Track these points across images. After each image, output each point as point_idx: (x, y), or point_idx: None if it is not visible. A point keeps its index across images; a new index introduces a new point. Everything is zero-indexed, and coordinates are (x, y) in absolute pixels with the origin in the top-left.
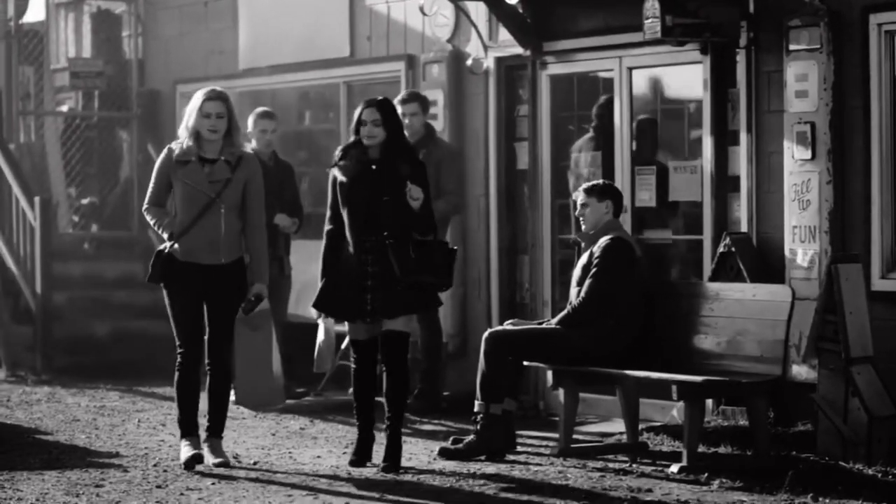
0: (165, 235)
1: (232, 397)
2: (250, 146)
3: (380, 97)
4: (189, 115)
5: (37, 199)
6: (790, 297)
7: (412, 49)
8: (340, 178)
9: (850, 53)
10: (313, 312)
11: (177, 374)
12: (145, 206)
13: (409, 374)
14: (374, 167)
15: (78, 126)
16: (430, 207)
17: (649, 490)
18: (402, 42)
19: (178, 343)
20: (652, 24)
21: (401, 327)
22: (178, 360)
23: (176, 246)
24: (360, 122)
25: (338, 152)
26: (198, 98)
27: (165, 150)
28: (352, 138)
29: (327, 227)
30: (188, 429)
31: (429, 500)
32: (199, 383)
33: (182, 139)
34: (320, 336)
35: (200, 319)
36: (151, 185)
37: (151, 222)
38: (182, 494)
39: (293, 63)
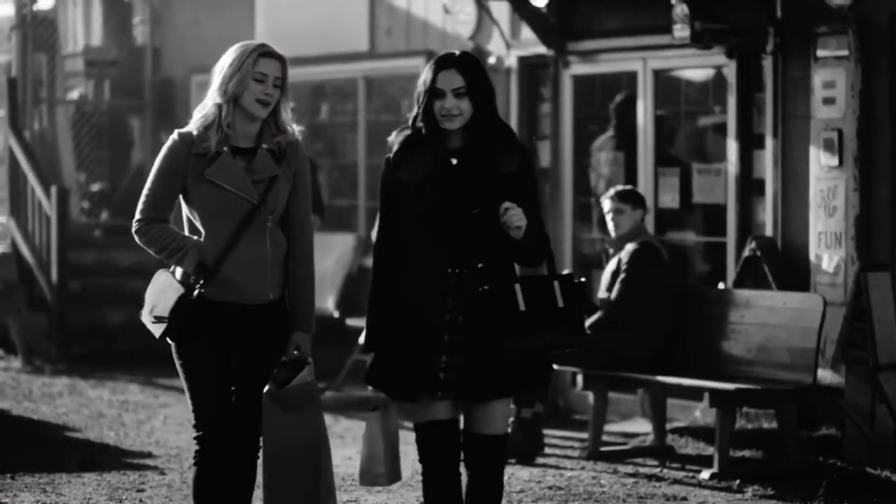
0: (191, 268)
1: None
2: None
3: (456, 52)
4: (227, 78)
5: (53, 189)
6: (822, 306)
7: (432, 45)
8: (405, 177)
9: (878, 61)
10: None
11: (195, 469)
12: (138, 222)
13: (503, 488)
14: (454, 161)
15: (93, 114)
16: (541, 224)
17: (684, 498)
18: (421, 37)
19: (197, 424)
20: (681, 29)
21: (498, 428)
22: (197, 447)
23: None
24: (433, 93)
25: (394, 138)
26: (244, 52)
27: (175, 138)
28: (412, 120)
29: (376, 250)
30: None
31: None
32: (226, 483)
33: (206, 115)
34: (365, 436)
35: (230, 388)
36: (149, 188)
37: (156, 249)
38: None
39: (311, 56)
